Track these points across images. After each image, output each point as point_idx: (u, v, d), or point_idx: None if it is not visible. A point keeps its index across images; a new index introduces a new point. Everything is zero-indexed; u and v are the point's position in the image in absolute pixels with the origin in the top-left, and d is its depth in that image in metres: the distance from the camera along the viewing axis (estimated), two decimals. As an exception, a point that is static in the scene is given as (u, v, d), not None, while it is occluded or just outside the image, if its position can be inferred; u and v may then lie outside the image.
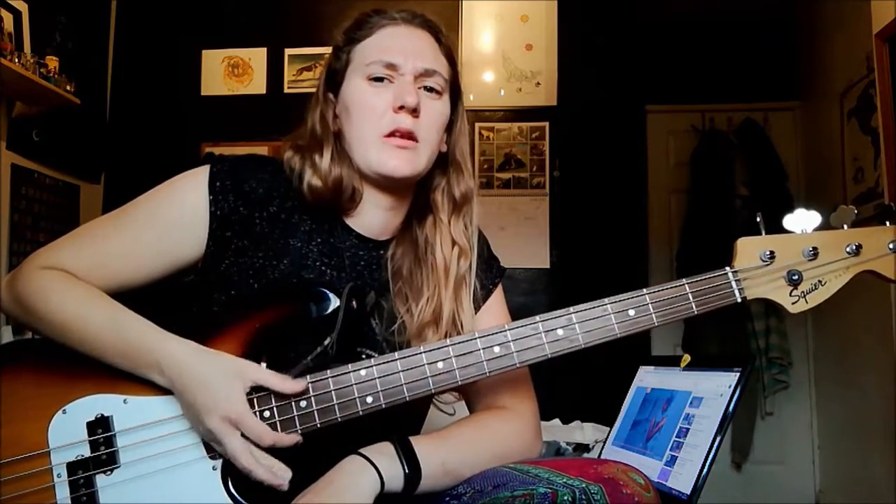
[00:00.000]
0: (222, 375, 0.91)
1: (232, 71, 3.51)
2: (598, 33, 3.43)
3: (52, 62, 2.84)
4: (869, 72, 2.89)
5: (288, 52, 3.47)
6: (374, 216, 1.09)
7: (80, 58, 3.24)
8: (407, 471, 0.91)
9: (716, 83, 4.00)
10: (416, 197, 1.13)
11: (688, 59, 4.01)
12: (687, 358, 1.31)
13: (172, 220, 1.03)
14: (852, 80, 3.13)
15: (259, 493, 0.91)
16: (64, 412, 0.94)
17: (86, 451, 0.92)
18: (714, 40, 3.99)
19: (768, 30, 3.98)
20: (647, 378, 1.41)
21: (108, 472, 0.92)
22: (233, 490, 0.92)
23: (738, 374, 1.15)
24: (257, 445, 0.90)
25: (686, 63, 4.01)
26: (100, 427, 0.93)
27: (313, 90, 1.14)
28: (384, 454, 0.92)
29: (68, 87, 2.91)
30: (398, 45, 1.06)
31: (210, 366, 0.91)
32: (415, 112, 1.03)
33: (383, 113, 1.03)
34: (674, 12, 3.86)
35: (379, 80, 1.05)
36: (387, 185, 1.07)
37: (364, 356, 1.02)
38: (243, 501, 0.91)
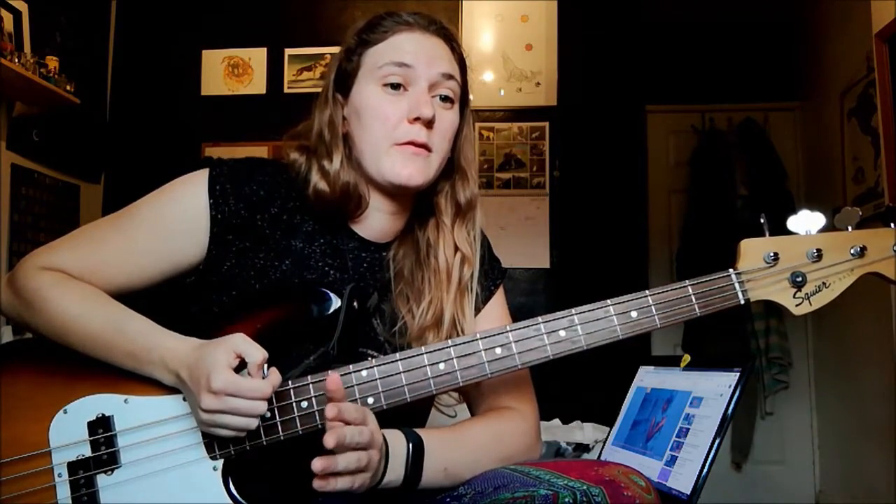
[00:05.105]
0: (209, 353, 0.87)
1: (232, 71, 3.51)
2: (598, 33, 3.43)
3: (52, 62, 2.84)
4: (869, 72, 2.89)
5: (288, 52, 3.46)
6: (377, 220, 1.09)
7: (80, 58, 3.24)
8: (408, 473, 0.92)
9: (716, 83, 4.00)
10: (419, 201, 1.12)
11: (688, 59, 4.01)
12: (687, 358, 1.31)
13: (172, 225, 1.02)
14: (852, 80, 3.13)
15: (259, 493, 0.91)
16: (65, 412, 0.94)
17: (87, 451, 0.92)
18: (714, 40, 3.99)
19: (768, 30, 3.98)
20: (647, 378, 1.41)
21: (109, 472, 0.92)
22: (233, 490, 0.92)
23: (738, 374, 1.15)
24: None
25: (686, 63, 4.00)
26: (101, 427, 0.93)
27: (314, 90, 1.13)
28: (394, 452, 0.91)
29: (68, 87, 2.91)
30: (413, 52, 1.04)
31: (206, 352, 0.88)
32: (430, 124, 1.02)
33: (397, 122, 1.02)
34: (674, 12, 3.86)
35: (394, 87, 1.03)
36: (395, 192, 1.06)
37: (368, 357, 1.01)
38: (244, 502, 0.91)
